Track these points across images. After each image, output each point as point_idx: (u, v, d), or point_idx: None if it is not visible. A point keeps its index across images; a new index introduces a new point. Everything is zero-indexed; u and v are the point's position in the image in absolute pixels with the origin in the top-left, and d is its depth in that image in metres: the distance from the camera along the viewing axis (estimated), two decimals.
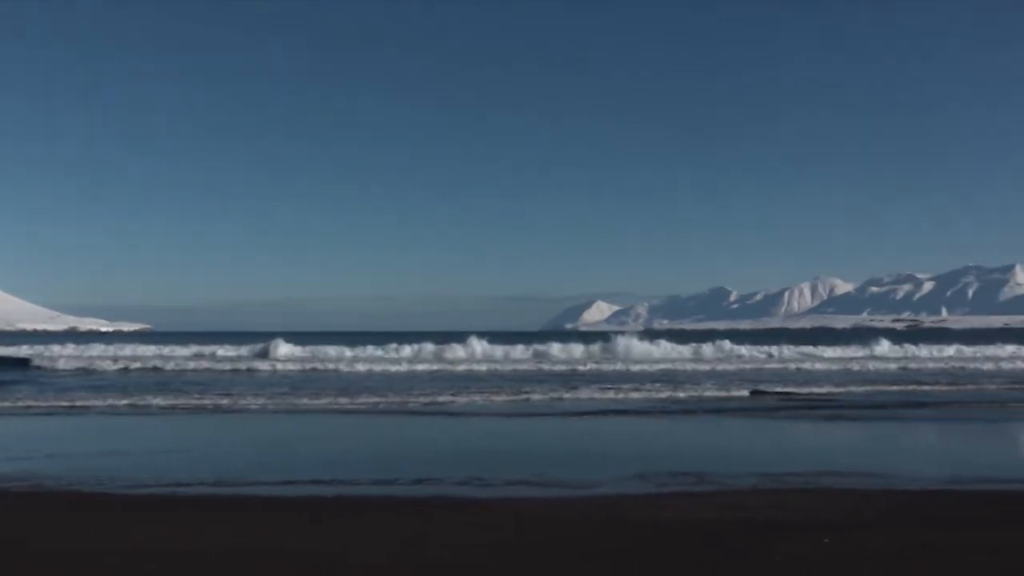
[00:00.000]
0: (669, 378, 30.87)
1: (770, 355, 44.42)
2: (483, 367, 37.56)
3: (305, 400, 22.69)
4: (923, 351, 47.32)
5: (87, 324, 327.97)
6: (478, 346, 44.74)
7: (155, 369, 36.12)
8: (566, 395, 24.21)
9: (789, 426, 18.30)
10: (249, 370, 35.71)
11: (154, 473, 11.14)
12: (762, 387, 26.34)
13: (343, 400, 22.69)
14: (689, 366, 37.97)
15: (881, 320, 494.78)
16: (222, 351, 45.20)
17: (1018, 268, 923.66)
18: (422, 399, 23.06)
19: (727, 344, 46.83)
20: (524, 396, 23.83)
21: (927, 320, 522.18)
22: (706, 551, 7.05)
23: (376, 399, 23.10)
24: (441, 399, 23.10)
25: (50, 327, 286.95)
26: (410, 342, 47.65)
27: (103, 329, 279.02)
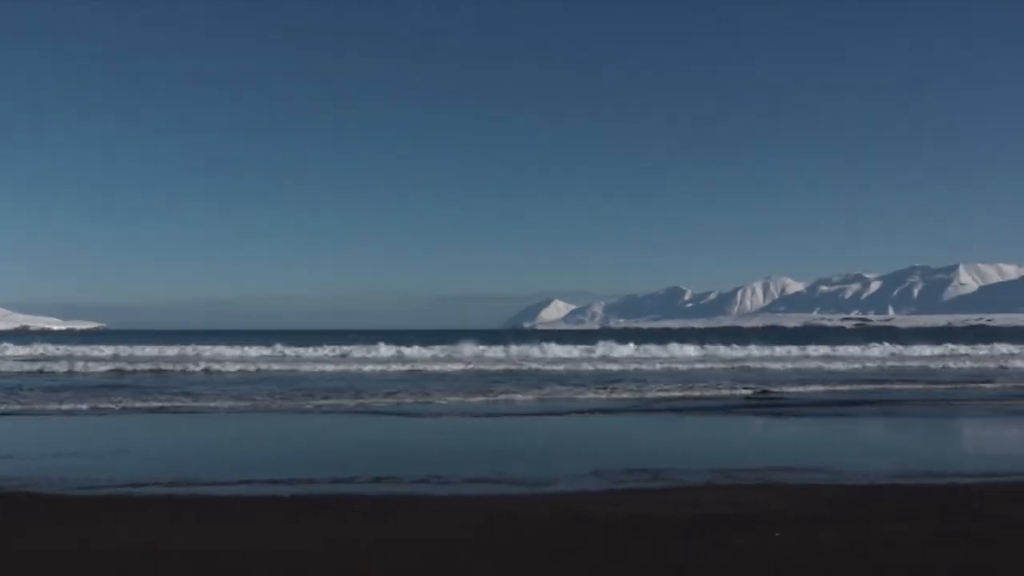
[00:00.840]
0: (639, 377, 31.05)
1: (746, 355, 44.61)
2: (437, 366, 37.41)
3: (266, 400, 22.44)
4: (875, 350, 48.09)
5: (39, 323, 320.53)
6: (418, 349, 44.64)
7: (114, 371, 35.32)
8: (530, 395, 24.21)
9: (745, 423, 18.55)
10: (206, 371, 35.15)
11: (109, 474, 10.96)
12: (743, 388, 26.41)
13: (303, 400, 22.50)
14: (657, 366, 38.21)
15: (831, 319, 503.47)
16: (178, 351, 44.51)
17: (961, 268, 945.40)
18: (383, 399, 22.95)
19: (683, 347, 47.23)
20: (486, 396, 23.82)
21: (875, 319, 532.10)
22: (661, 546, 7.13)
23: (337, 399, 22.92)
24: (401, 398, 23.02)
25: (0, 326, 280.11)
26: (365, 340, 47.45)
27: (55, 328, 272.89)
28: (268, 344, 46.82)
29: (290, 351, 43.81)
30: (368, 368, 36.32)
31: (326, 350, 45.25)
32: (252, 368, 36.01)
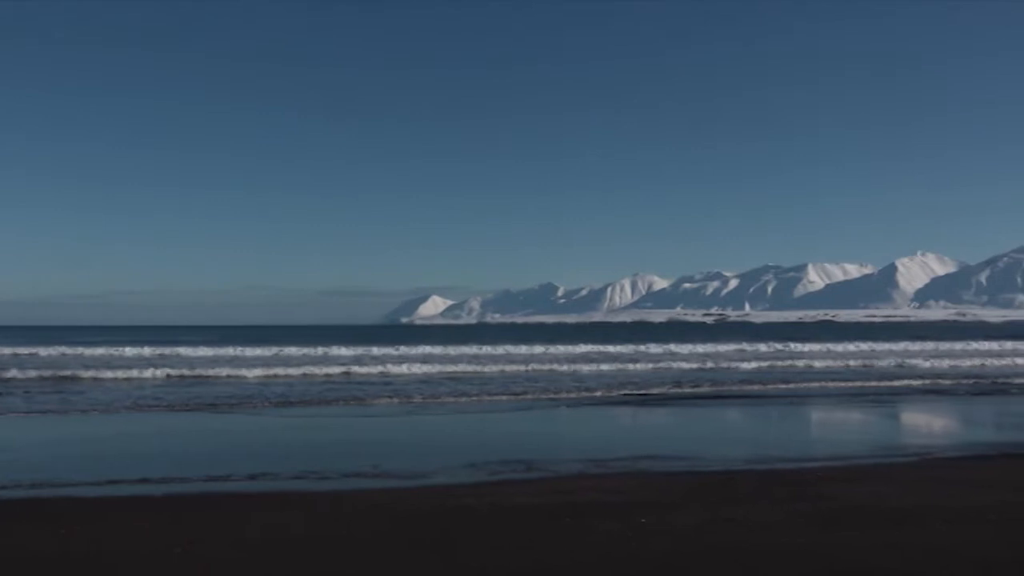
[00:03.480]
0: (536, 378, 31.09)
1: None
2: (312, 367, 36.61)
3: (142, 398, 21.43)
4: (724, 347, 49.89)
5: None
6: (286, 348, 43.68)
7: None
8: (419, 396, 23.95)
9: (616, 415, 18.99)
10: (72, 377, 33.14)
11: None
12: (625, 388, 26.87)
13: (179, 398, 21.60)
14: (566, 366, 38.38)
15: (693, 314, 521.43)
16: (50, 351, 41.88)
17: (810, 267, 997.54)
18: (263, 395, 22.30)
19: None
20: (366, 394, 23.49)
21: (733, 314, 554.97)
22: (531, 533, 7.22)
23: (220, 397, 22.12)
24: (279, 394, 22.43)
25: None
26: (237, 337, 45.95)
27: None
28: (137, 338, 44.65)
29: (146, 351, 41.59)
30: (247, 368, 35.11)
31: (203, 349, 43.47)
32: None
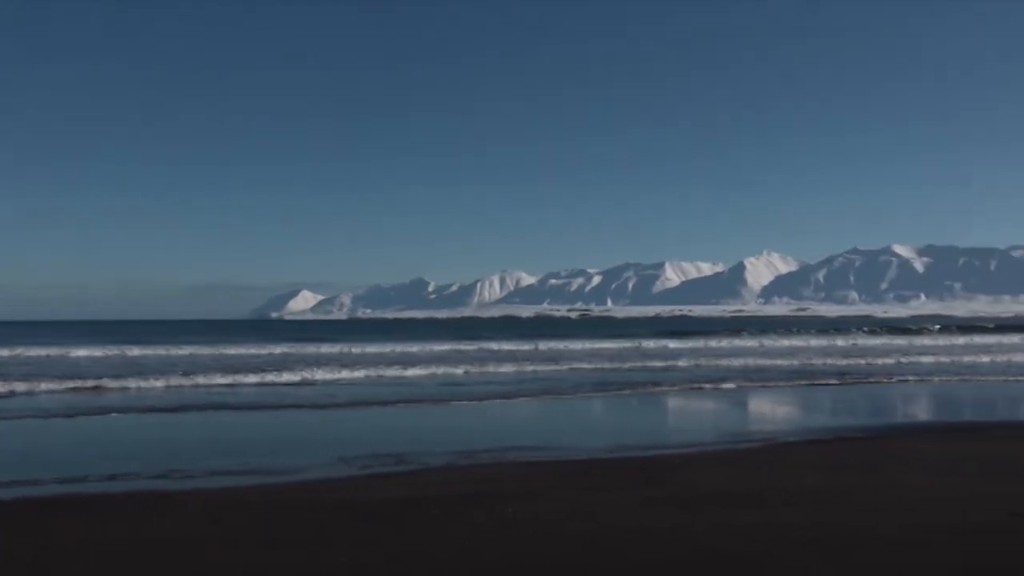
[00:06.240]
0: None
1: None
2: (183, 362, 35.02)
3: None
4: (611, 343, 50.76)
5: None
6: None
7: None
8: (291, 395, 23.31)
9: (486, 409, 19.07)
10: None
11: None
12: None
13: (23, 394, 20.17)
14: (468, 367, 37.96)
15: (559, 309, 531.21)
16: None
17: (667, 265, 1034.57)
18: (115, 388, 21.14)
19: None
20: (237, 385, 22.67)
21: (596, 310, 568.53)
22: (397, 526, 7.16)
23: (65, 393, 20.80)
24: (139, 389, 21.33)
25: None
26: (102, 332, 43.32)
27: None
28: None
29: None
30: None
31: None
32: None
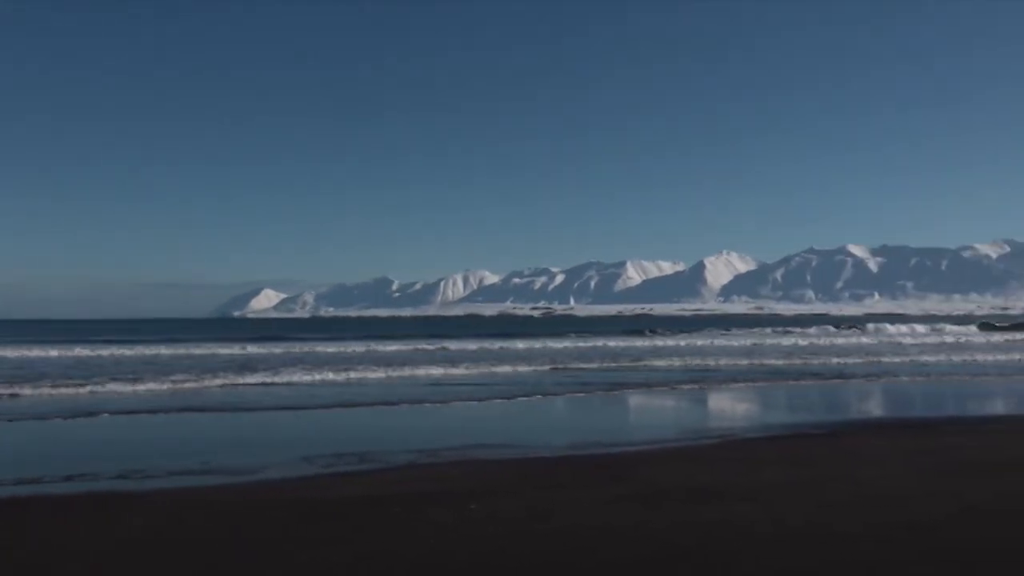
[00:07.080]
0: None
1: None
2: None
3: None
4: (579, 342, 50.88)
5: None
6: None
7: None
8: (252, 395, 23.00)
9: (450, 409, 18.99)
10: None
11: None
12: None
13: None
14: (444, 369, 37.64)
15: (522, 308, 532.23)
16: None
17: (628, 264, 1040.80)
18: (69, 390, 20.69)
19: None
20: (200, 385, 22.32)
21: (559, 308, 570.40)
22: (362, 524, 7.09)
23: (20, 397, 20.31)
24: (91, 391, 20.90)
25: None
26: (64, 331, 42.37)
27: None
28: None
29: None
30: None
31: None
32: None
